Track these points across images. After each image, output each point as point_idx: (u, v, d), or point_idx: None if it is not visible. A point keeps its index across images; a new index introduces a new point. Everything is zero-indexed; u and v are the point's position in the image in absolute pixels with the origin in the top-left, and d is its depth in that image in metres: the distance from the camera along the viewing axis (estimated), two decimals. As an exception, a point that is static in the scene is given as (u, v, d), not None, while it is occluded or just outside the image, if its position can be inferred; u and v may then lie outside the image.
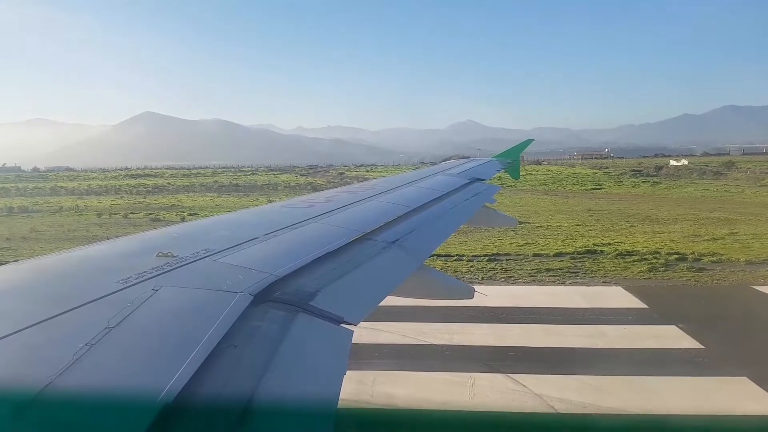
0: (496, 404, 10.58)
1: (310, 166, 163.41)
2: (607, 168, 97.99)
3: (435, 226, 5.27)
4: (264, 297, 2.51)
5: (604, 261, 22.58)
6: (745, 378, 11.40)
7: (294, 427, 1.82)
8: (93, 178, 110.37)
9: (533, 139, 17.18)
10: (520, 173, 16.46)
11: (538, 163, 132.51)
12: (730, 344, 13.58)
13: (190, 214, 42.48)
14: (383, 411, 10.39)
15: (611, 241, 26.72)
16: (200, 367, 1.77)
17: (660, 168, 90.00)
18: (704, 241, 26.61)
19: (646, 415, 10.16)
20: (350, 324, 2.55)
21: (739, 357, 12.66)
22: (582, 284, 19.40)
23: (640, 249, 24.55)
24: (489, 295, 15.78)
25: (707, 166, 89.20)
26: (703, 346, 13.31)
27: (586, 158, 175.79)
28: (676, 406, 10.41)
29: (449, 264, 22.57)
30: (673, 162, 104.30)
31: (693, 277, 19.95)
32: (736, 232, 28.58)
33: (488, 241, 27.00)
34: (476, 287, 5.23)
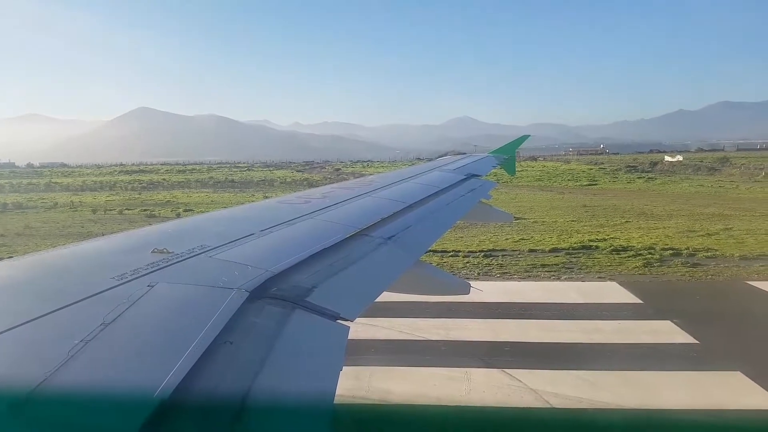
0: (491, 399, 10.61)
1: (306, 162, 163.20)
2: (603, 164, 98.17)
3: (431, 222, 5.27)
4: (260, 293, 2.50)
5: (599, 256, 22.64)
6: (738, 373, 11.45)
7: (291, 422, 1.82)
8: (88, 174, 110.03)
9: (529, 135, 17.19)
10: (516, 169, 16.48)
11: (534, 159, 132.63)
12: (724, 339, 13.63)
13: (186, 210, 42.38)
14: (379, 407, 10.41)
15: (606, 237, 26.79)
16: (196, 364, 1.76)
17: (655, 164, 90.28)
18: (699, 236, 26.70)
19: (640, 410, 10.21)
20: (346, 320, 2.55)
21: (732, 352, 12.71)
22: (577, 280, 19.44)
23: (635, 244, 24.62)
24: (485, 290, 15.80)
25: (702, 162, 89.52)
26: (697, 341, 13.37)
27: (581, 154, 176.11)
28: (670, 401, 10.45)
29: (445, 260, 22.59)
30: (668, 158, 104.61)
31: (687, 272, 20.02)
32: (730, 228, 28.68)
33: (484, 237, 27.03)
34: (472, 283, 5.24)
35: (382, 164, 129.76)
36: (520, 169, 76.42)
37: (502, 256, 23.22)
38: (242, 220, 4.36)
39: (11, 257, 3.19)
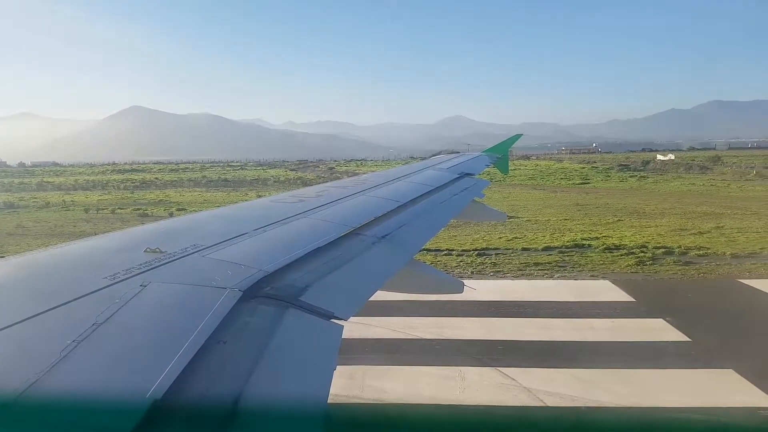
0: (485, 398, 10.64)
1: (300, 161, 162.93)
2: (595, 163, 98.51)
3: (425, 221, 5.27)
4: (253, 292, 2.50)
5: (591, 255, 22.73)
6: (730, 370, 11.53)
7: (284, 422, 1.81)
8: (80, 174, 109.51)
9: (522, 134, 17.22)
10: (509, 168, 16.51)
11: (527, 158, 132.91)
12: (716, 337, 13.71)
13: (178, 210, 42.25)
14: (373, 406, 10.40)
15: (599, 236, 26.89)
16: (189, 364, 1.75)
17: (647, 163, 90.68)
18: (691, 234, 26.85)
19: (634, 408, 10.25)
20: (340, 319, 2.54)
21: (725, 349, 12.79)
22: (570, 278, 19.51)
23: (627, 243, 24.73)
24: (478, 289, 15.83)
25: (694, 160, 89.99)
26: (689, 339, 13.44)
27: (574, 153, 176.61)
28: (663, 399, 10.51)
29: (439, 258, 22.62)
30: (660, 157, 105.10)
31: (680, 270, 20.12)
32: (722, 226, 28.86)
33: (477, 236, 27.08)
34: (466, 282, 5.25)
35: (375, 163, 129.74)
36: (513, 168, 76.57)
37: (496, 254, 23.27)
38: (235, 219, 4.34)
39: (2, 257, 3.17)
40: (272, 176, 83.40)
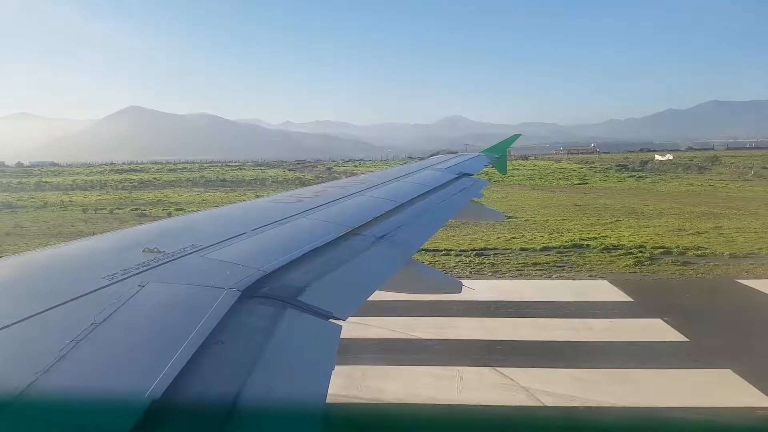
0: (483, 398, 10.64)
1: (298, 161, 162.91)
2: (593, 163, 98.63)
3: (423, 221, 5.27)
4: (252, 292, 2.50)
5: (590, 255, 22.74)
6: (728, 370, 11.53)
7: (283, 422, 1.81)
8: (78, 173, 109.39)
9: (520, 135, 17.22)
10: (508, 168, 16.51)
11: (525, 158, 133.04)
12: (714, 337, 13.72)
13: (177, 210, 42.21)
14: (372, 406, 10.41)
15: (597, 236, 26.91)
16: (187, 364, 1.75)
17: (645, 163, 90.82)
18: (689, 235, 26.88)
19: (632, 408, 10.26)
20: (339, 319, 2.54)
21: (723, 350, 12.79)
22: (568, 278, 19.52)
23: (625, 243, 24.75)
24: (477, 289, 15.83)
25: (692, 160, 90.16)
26: (687, 339, 13.46)
27: (572, 153, 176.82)
28: (661, 399, 10.52)
29: (437, 258, 22.62)
30: (658, 157, 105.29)
31: (678, 270, 20.14)
32: (720, 226, 28.89)
33: (476, 236, 27.09)
34: (464, 282, 5.25)
35: (374, 163, 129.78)
36: (511, 168, 76.61)
37: (494, 254, 23.29)
38: (234, 219, 4.34)
39: (1, 257, 3.16)
40: (270, 176, 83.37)
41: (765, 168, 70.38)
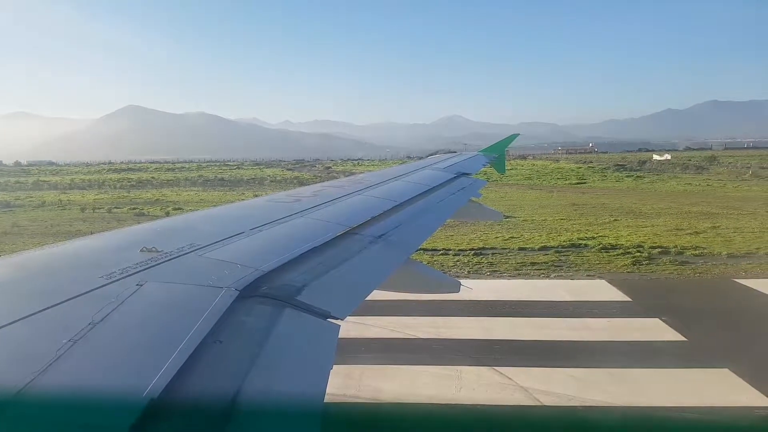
0: (482, 397, 10.64)
1: (297, 160, 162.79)
2: (592, 162, 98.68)
3: (421, 220, 5.28)
4: (250, 292, 2.50)
5: (588, 255, 22.76)
6: (726, 370, 11.54)
7: (281, 421, 1.81)
8: (76, 173, 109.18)
9: (519, 134, 17.23)
10: (506, 168, 16.52)
11: (524, 157, 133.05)
12: (712, 337, 13.74)
13: (175, 209, 42.15)
14: (371, 405, 10.41)
15: (595, 235, 26.92)
16: (185, 363, 1.75)
17: (643, 162, 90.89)
18: (687, 234, 26.90)
19: (630, 408, 10.27)
20: (337, 318, 2.54)
21: (721, 349, 12.82)
22: (567, 278, 19.53)
23: (623, 243, 24.76)
24: (475, 289, 15.83)
25: (690, 160, 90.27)
26: (685, 339, 13.47)
27: (570, 153, 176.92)
28: (659, 398, 10.53)
29: (436, 258, 22.62)
30: (656, 156, 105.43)
31: (676, 270, 20.16)
32: (718, 226, 28.92)
33: (474, 235, 27.10)
34: (462, 281, 5.25)
35: (372, 163, 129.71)
36: (509, 168, 76.62)
37: (492, 254, 23.29)
38: (232, 218, 4.34)
39: (-2, 256, 3.15)
40: (269, 176, 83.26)
41: (763, 168, 70.48)
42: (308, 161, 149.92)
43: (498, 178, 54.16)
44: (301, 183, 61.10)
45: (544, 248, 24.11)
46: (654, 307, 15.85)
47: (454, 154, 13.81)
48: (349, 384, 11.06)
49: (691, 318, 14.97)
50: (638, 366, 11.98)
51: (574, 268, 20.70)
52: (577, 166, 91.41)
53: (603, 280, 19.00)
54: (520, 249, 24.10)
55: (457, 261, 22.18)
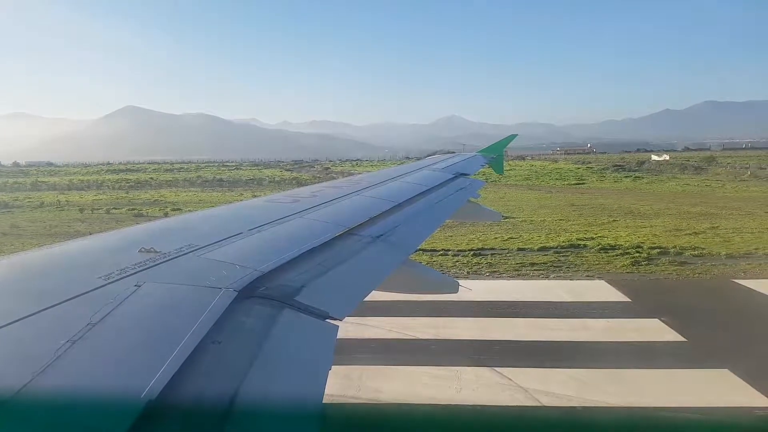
0: (481, 397, 10.64)
1: (295, 161, 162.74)
2: (590, 163, 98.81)
3: (420, 221, 5.27)
4: (248, 293, 2.49)
5: (587, 255, 22.77)
6: (726, 370, 11.55)
7: (280, 422, 1.81)
8: (74, 173, 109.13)
9: (517, 135, 17.22)
10: (504, 168, 16.51)
11: (522, 158, 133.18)
12: (711, 337, 13.74)
13: (174, 210, 42.15)
14: (370, 406, 10.40)
15: (594, 236, 26.94)
16: (184, 364, 1.75)
17: (642, 163, 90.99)
18: (686, 235, 26.92)
19: (630, 408, 10.27)
20: (335, 319, 2.54)
21: (720, 350, 12.82)
22: (566, 278, 19.54)
23: (622, 243, 24.78)
24: (474, 289, 15.83)
25: (688, 161, 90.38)
26: (685, 339, 13.48)
27: (569, 153, 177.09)
28: (659, 399, 10.53)
29: (435, 258, 22.63)
30: (654, 157, 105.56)
31: (675, 270, 20.17)
32: (717, 227, 28.94)
33: (473, 236, 27.10)
34: (462, 281, 5.25)
35: (371, 163, 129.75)
36: (508, 168, 76.67)
37: (492, 254, 23.30)
38: (231, 219, 4.33)
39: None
40: (267, 176, 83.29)
41: (761, 168, 70.58)
42: (307, 162, 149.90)
43: (497, 179, 54.21)
44: (300, 183, 61.10)
45: (543, 249, 24.12)
46: (654, 308, 15.86)
47: (452, 155, 13.81)
48: (349, 385, 11.07)
49: (690, 318, 14.98)
50: (638, 366, 11.98)
51: (574, 269, 20.71)
52: (576, 166, 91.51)
53: (602, 281, 19.01)
54: (520, 249, 24.11)
55: (457, 261, 22.19)
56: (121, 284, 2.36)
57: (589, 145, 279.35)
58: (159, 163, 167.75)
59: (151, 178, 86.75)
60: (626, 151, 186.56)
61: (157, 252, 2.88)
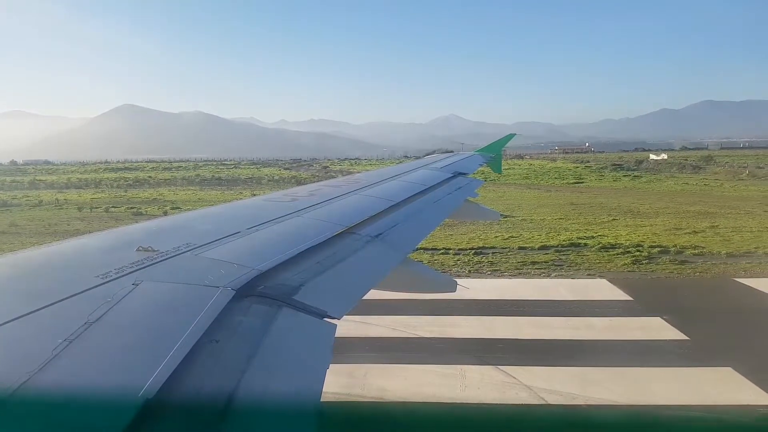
0: (486, 396, 10.66)
1: (294, 159, 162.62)
2: (589, 162, 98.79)
3: (418, 220, 5.27)
4: (246, 292, 2.49)
5: (588, 254, 22.79)
6: (729, 368, 11.56)
7: (277, 421, 1.80)
8: (72, 172, 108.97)
9: (515, 134, 17.22)
10: (503, 167, 16.52)
11: (520, 157, 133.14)
12: (714, 335, 13.76)
13: (172, 208, 42.12)
14: (376, 404, 10.41)
15: (594, 234, 26.96)
16: (181, 363, 1.74)
17: (640, 162, 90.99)
18: (686, 234, 26.94)
19: (633, 406, 10.28)
20: (334, 318, 2.53)
21: (723, 348, 12.83)
22: (567, 277, 19.55)
23: (623, 242, 24.80)
24: (477, 288, 15.84)
25: (686, 160, 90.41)
26: (687, 338, 13.48)
27: (567, 153, 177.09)
28: (662, 397, 10.54)
29: (436, 257, 22.64)
30: (653, 156, 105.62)
31: (676, 269, 20.20)
32: (716, 225, 28.97)
33: (474, 235, 27.11)
34: (462, 281, 5.25)
35: (369, 162, 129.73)
36: (506, 168, 76.71)
37: (492, 253, 23.32)
38: (229, 218, 4.33)
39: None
40: (266, 175, 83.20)
41: (759, 167, 70.62)
42: (305, 161, 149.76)
43: (495, 178, 54.23)
44: (299, 182, 61.10)
45: (543, 247, 24.15)
46: (655, 306, 15.88)
47: (450, 154, 13.81)
48: (354, 383, 11.07)
49: (692, 317, 14.99)
50: (642, 364, 12.00)
51: (575, 268, 20.74)
52: (575, 165, 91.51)
53: (604, 279, 19.04)
54: (520, 248, 24.13)
55: (458, 260, 22.20)
56: (119, 283, 2.35)
57: (587, 144, 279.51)
58: (157, 162, 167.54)
59: (150, 176, 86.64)
60: (624, 150, 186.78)
61: (154, 251, 2.87)
